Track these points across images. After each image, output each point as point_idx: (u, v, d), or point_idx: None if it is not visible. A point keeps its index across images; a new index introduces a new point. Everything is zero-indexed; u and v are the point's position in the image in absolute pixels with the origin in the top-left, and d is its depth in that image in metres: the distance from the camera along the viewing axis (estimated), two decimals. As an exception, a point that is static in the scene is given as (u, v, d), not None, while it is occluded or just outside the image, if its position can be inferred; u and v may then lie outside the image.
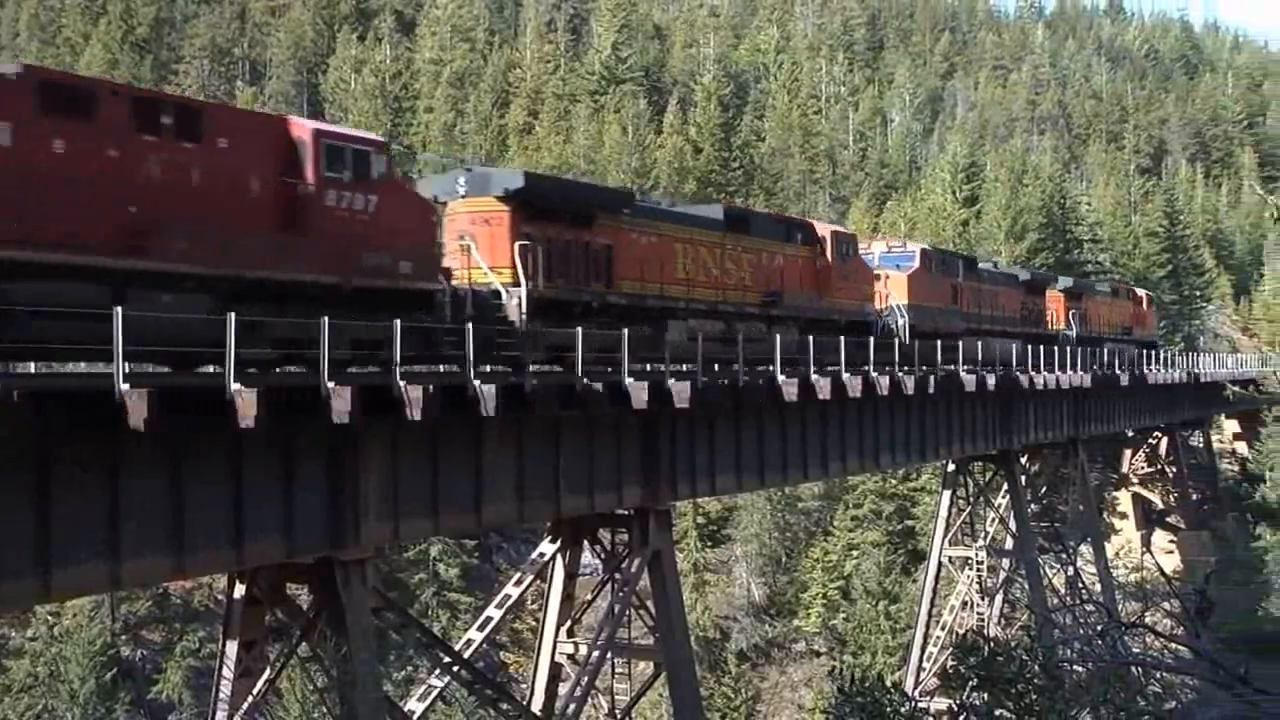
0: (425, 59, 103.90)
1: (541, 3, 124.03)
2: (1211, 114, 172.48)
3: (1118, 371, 53.67)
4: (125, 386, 15.02)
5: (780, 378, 28.52)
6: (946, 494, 47.31)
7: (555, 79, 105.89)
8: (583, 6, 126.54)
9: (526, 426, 23.02)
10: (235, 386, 16.25)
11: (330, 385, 17.63)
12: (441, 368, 22.93)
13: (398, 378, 18.91)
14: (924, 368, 36.06)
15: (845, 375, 30.76)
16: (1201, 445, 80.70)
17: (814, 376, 29.60)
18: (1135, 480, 77.29)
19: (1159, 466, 76.48)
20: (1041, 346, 46.28)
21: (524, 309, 23.49)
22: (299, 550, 19.14)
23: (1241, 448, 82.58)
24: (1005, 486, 47.72)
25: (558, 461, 23.92)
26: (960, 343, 39.22)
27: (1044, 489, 55.03)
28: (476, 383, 20.28)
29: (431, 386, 19.23)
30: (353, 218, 20.72)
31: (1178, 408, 67.92)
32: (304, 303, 19.05)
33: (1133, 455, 77.60)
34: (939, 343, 37.03)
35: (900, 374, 33.53)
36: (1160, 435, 74.22)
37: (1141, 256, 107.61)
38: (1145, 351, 67.62)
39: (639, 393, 23.56)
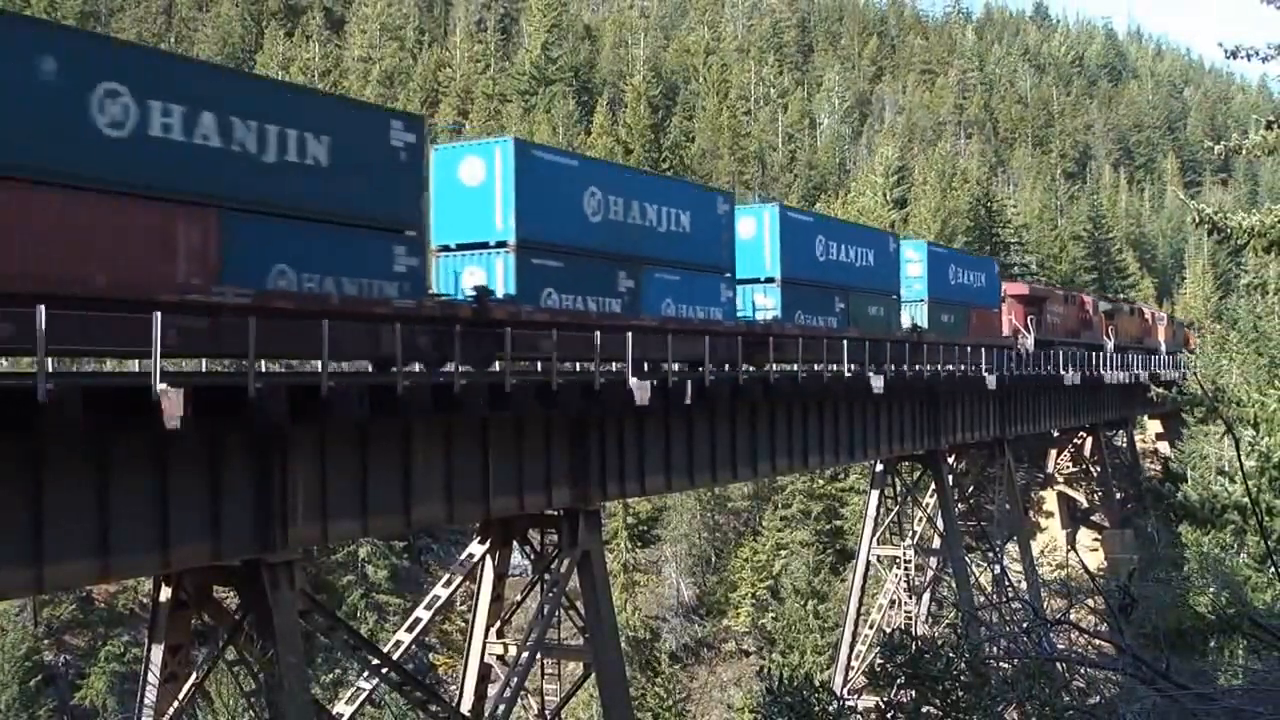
0: (354, 57, 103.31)
1: (471, 2, 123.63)
2: (1135, 120, 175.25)
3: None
4: (49, 386, 14.76)
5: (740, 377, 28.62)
6: (875, 494, 47.65)
7: (485, 79, 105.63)
8: (513, 6, 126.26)
9: (455, 427, 22.95)
10: (161, 386, 16.04)
11: (258, 385, 17.47)
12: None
13: (326, 377, 18.78)
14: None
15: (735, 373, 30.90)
16: (1125, 445, 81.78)
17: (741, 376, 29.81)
18: (1060, 480, 78.19)
19: (1083, 466, 77.45)
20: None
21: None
22: (226, 552, 18.95)
23: (1164, 447, 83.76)
24: (933, 486, 48.20)
25: (487, 462, 23.85)
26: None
27: (971, 488, 55.58)
28: (405, 382, 20.21)
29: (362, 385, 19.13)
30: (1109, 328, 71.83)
31: (1102, 408, 68.83)
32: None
33: (1058, 455, 78.51)
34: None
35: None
36: (1085, 435, 75.18)
37: (1068, 260, 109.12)
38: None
39: (567, 394, 23.70)
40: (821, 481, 70.51)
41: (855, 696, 37.53)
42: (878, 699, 11.96)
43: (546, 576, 27.58)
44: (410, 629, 28.13)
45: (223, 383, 18.82)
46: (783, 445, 34.47)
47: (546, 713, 29.75)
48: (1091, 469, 76.90)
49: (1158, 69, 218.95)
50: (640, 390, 26.16)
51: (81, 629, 51.95)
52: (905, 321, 44.29)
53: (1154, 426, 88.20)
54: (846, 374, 35.31)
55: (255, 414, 17.58)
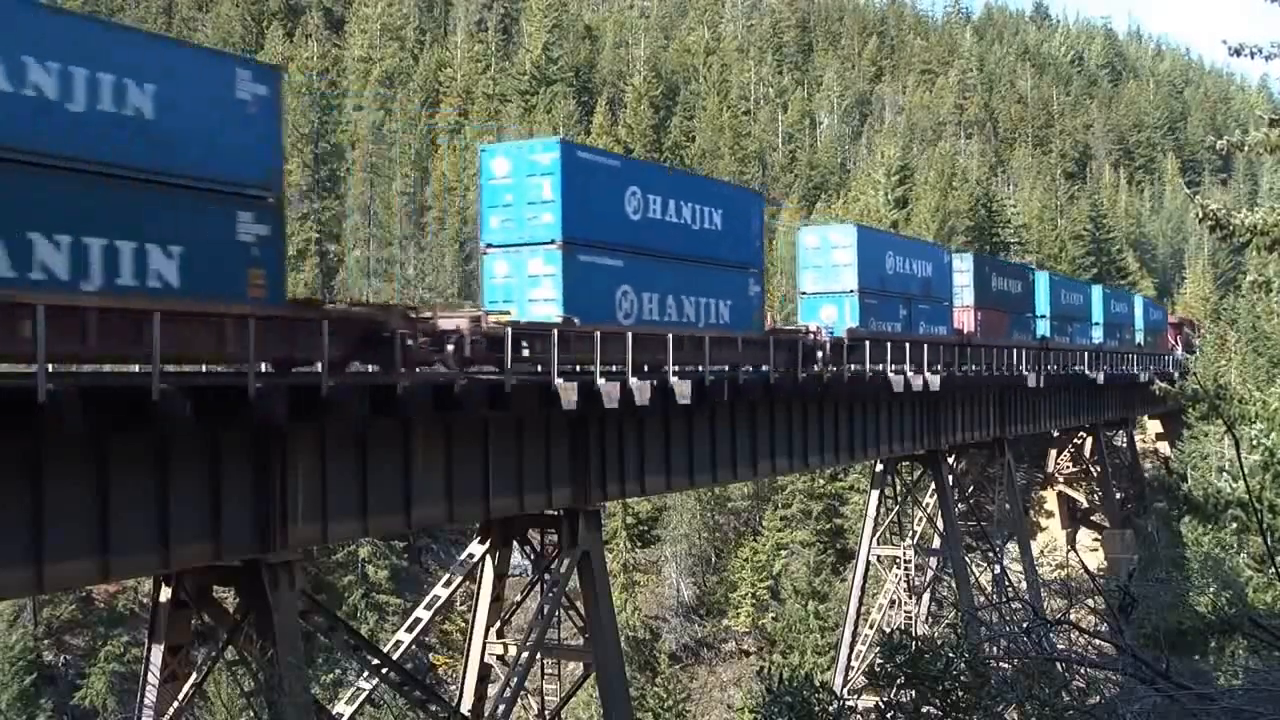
0: (354, 57, 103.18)
1: (472, 2, 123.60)
2: (1135, 120, 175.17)
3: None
4: (50, 387, 14.75)
5: (710, 379, 28.61)
6: (875, 493, 47.63)
7: (486, 79, 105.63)
8: (513, 6, 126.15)
9: (455, 427, 22.95)
10: (162, 386, 16.04)
11: (257, 385, 17.46)
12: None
13: (326, 378, 18.77)
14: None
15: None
16: (1125, 445, 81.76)
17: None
18: (1060, 479, 78.19)
19: (1083, 466, 77.41)
20: None
21: None
22: (226, 552, 18.95)
23: (1164, 447, 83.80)
24: (933, 486, 48.18)
25: (487, 462, 23.86)
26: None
27: (971, 488, 55.59)
28: (405, 383, 20.21)
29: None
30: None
31: (1102, 408, 68.86)
32: None
33: (1058, 455, 78.50)
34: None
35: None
36: (1085, 435, 75.16)
37: (1068, 260, 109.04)
38: None
39: (567, 394, 23.68)
40: (821, 481, 70.44)
41: (855, 696, 37.50)
42: (878, 699, 11.95)
43: (546, 576, 27.58)
44: (410, 629, 28.13)
45: (223, 383, 18.81)
46: (783, 445, 34.47)
47: (546, 713, 29.75)
48: (1091, 469, 76.83)
49: (1158, 69, 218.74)
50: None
51: (81, 629, 51.91)
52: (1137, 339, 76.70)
53: (1154, 426, 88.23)
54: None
55: (255, 415, 17.58)
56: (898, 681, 11.04)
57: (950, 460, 48.08)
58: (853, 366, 36.14)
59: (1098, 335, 67.54)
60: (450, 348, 22.66)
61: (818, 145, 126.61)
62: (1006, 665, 11.54)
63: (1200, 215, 22.82)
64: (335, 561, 58.32)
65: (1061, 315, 61.02)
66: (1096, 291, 70.36)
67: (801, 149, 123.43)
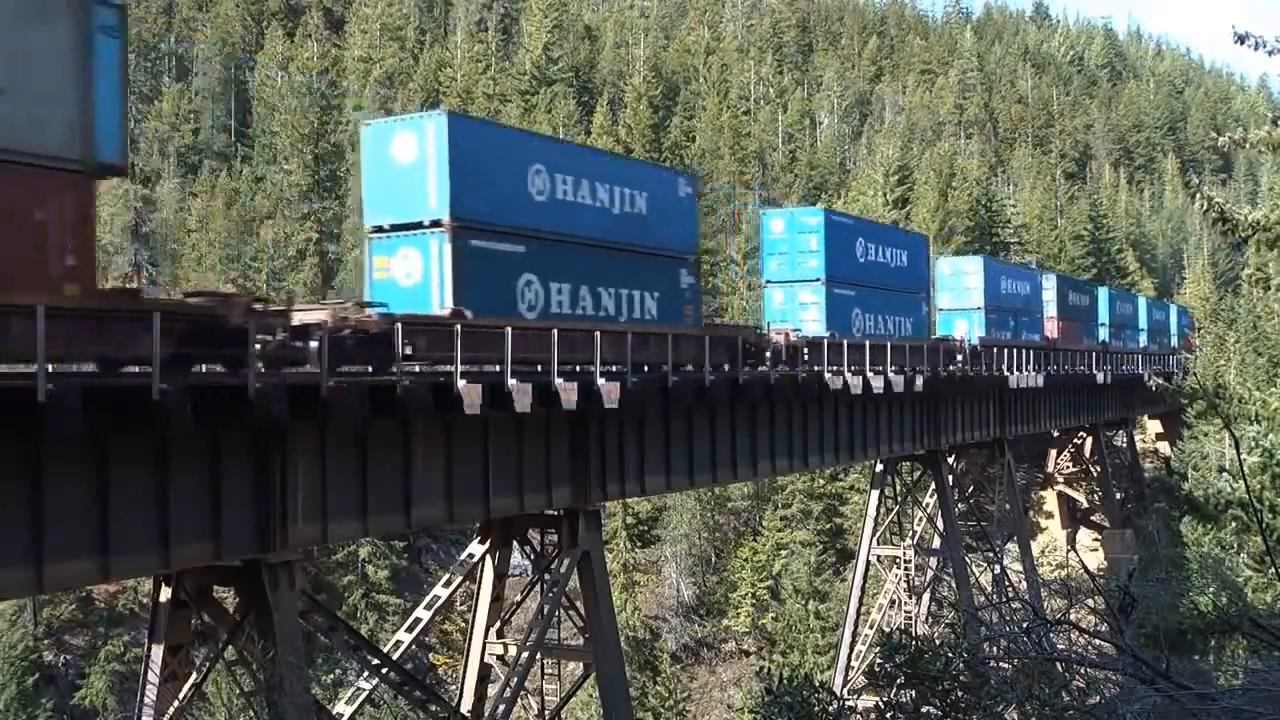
0: (354, 57, 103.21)
1: (472, 2, 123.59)
2: (1135, 120, 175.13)
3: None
4: (50, 387, 14.74)
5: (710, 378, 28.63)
6: (875, 493, 47.62)
7: (486, 79, 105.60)
8: (513, 6, 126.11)
9: (455, 427, 22.94)
10: (162, 386, 16.03)
11: (258, 385, 17.46)
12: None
13: (327, 378, 18.76)
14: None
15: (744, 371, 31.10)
16: (1125, 445, 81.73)
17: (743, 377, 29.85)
18: (1060, 480, 78.19)
19: (1083, 466, 77.40)
20: None
21: None
22: (226, 552, 18.94)
23: (1164, 447, 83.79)
24: (933, 486, 48.15)
25: (487, 462, 23.85)
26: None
27: (971, 488, 55.55)
28: (405, 382, 20.20)
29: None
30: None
31: (1102, 408, 68.86)
32: None
33: (1058, 455, 78.51)
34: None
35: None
36: (1085, 435, 75.16)
37: (1068, 260, 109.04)
38: None
39: (568, 394, 23.70)
40: (821, 481, 70.42)
41: (855, 696, 37.51)
42: (878, 699, 11.96)
43: (546, 576, 27.58)
44: (410, 629, 28.13)
45: (223, 382, 18.82)
46: (783, 445, 34.47)
47: (546, 713, 29.75)
48: (1091, 469, 76.83)
49: (1158, 69, 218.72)
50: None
51: (81, 629, 51.93)
52: (1172, 342, 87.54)
53: (1154, 426, 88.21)
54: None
55: (255, 414, 17.57)
56: (898, 681, 11.05)
57: (950, 460, 48.08)
58: (980, 368, 46.47)
59: (1143, 340, 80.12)
60: (768, 353, 32.58)
61: (818, 145, 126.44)
62: (1006, 665, 11.54)
63: (1205, 207, 22.79)
64: (335, 561, 58.32)
65: (1117, 324, 73.47)
66: (1142, 301, 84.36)
67: (801, 149, 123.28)
